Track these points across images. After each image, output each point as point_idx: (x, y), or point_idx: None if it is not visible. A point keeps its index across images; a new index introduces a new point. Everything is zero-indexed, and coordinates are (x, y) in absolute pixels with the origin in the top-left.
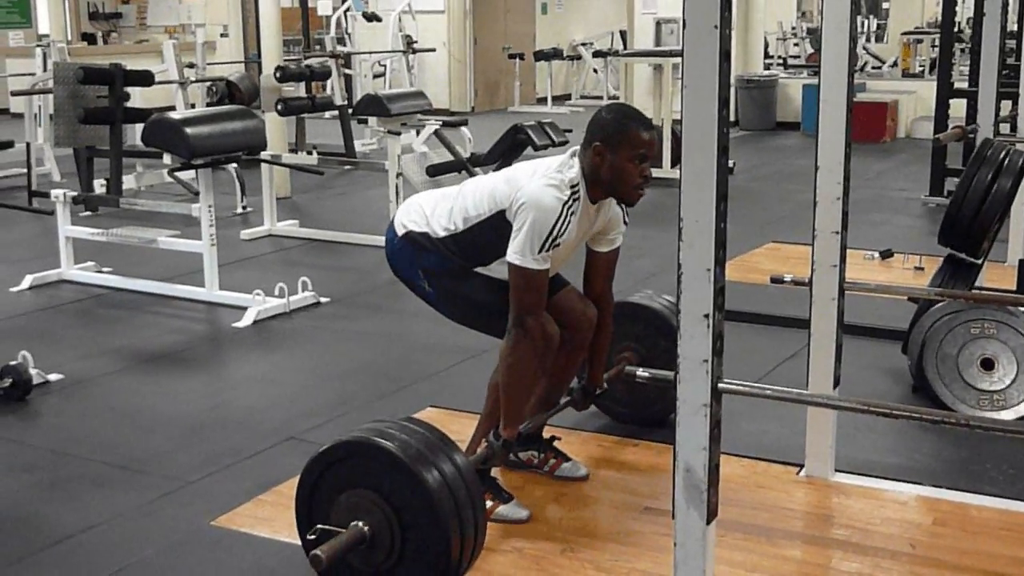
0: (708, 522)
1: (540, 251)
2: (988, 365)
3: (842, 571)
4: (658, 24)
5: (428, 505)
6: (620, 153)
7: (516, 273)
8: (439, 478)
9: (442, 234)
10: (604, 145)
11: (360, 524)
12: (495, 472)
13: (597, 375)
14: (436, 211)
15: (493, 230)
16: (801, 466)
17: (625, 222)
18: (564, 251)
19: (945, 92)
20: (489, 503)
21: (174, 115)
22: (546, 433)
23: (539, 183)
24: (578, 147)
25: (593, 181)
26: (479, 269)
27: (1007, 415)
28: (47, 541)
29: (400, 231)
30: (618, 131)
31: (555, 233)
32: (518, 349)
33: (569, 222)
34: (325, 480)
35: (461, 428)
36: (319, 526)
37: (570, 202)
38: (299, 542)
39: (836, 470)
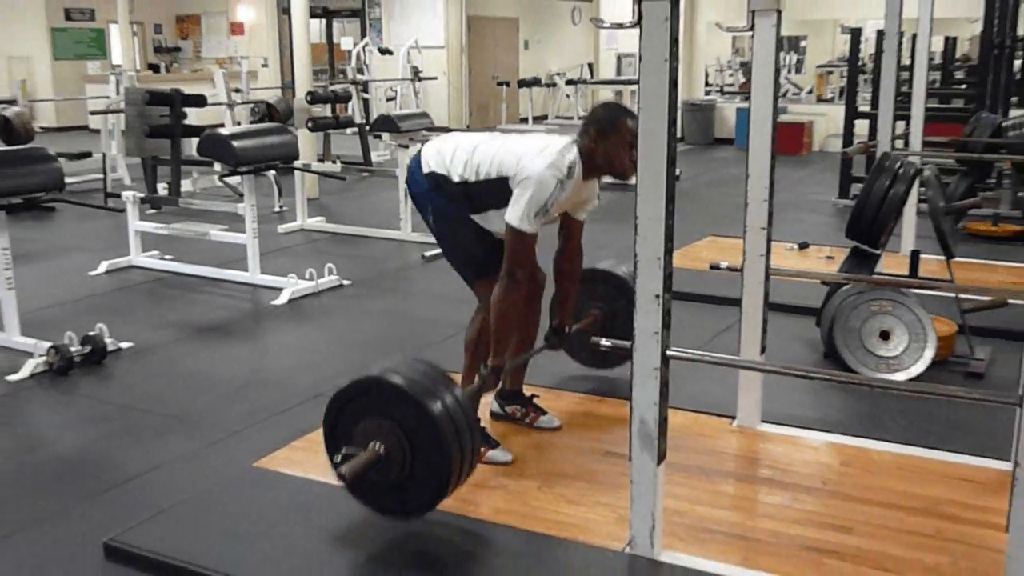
0: (658, 464)
1: (534, 217)
2: (885, 336)
3: (767, 503)
4: (619, 58)
5: (433, 428)
6: (611, 140)
7: (512, 234)
8: (441, 406)
9: (456, 180)
10: (599, 134)
11: (377, 445)
12: (485, 424)
13: (565, 317)
14: (454, 160)
15: (496, 190)
16: (734, 418)
17: (598, 197)
18: (554, 213)
19: (851, 114)
20: (480, 449)
21: (223, 131)
22: (527, 392)
23: (542, 163)
24: (577, 136)
25: (589, 163)
26: (475, 217)
27: (900, 376)
28: (118, 479)
29: (425, 169)
30: (611, 123)
31: (547, 204)
32: (509, 295)
33: (559, 195)
34: (346, 411)
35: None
36: (344, 450)
37: (564, 180)
38: (325, 480)
39: (762, 421)
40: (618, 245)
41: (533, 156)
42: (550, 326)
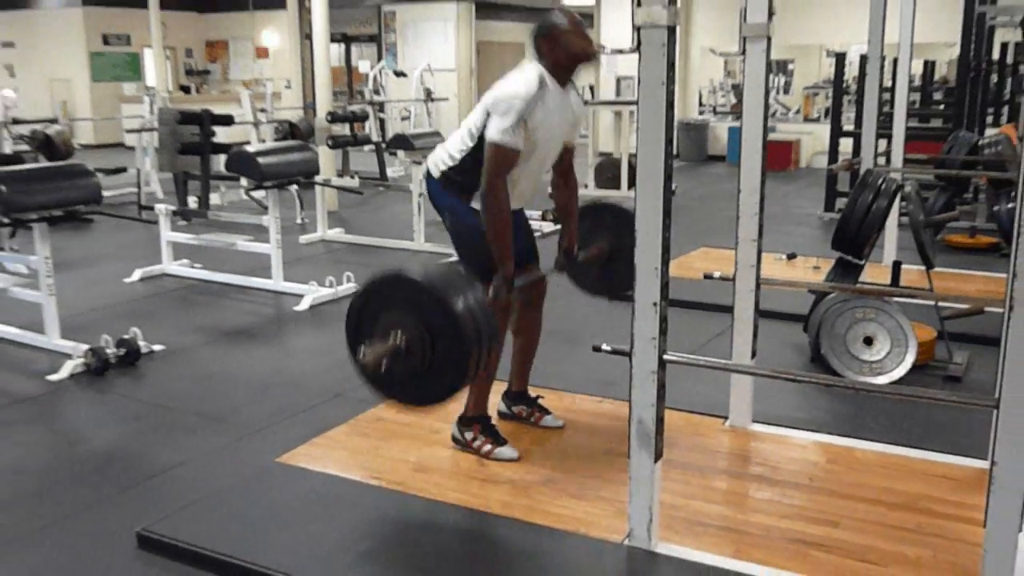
0: (655, 461)
1: (515, 129)
2: (869, 341)
3: (757, 498)
4: (618, 80)
5: (452, 321)
6: (561, 40)
7: (490, 149)
8: (460, 297)
9: (451, 163)
10: (547, 39)
11: (398, 337)
12: (496, 422)
13: (572, 237)
14: (451, 146)
15: (478, 162)
16: (726, 418)
17: (585, 102)
18: (552, 140)
19: (836, 133)
20: (489, 446)
21: (249, 148)
22: (532, 393)
23: (505, 85)
24: (536, 59)
25: (555, 67)
26: (475, 204)
27: (882, 380)
28: (150, 473)
29: (435, 172)
30: (551, 27)
31: (524, 111)
32: (493, 204)
33: (539, 105)
34: (367, 309)
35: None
36: (365, 343)
37: (537, 90)
38: (344, 475)
39: (753, 421)
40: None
41: (495, 90)
42: (559, 248)
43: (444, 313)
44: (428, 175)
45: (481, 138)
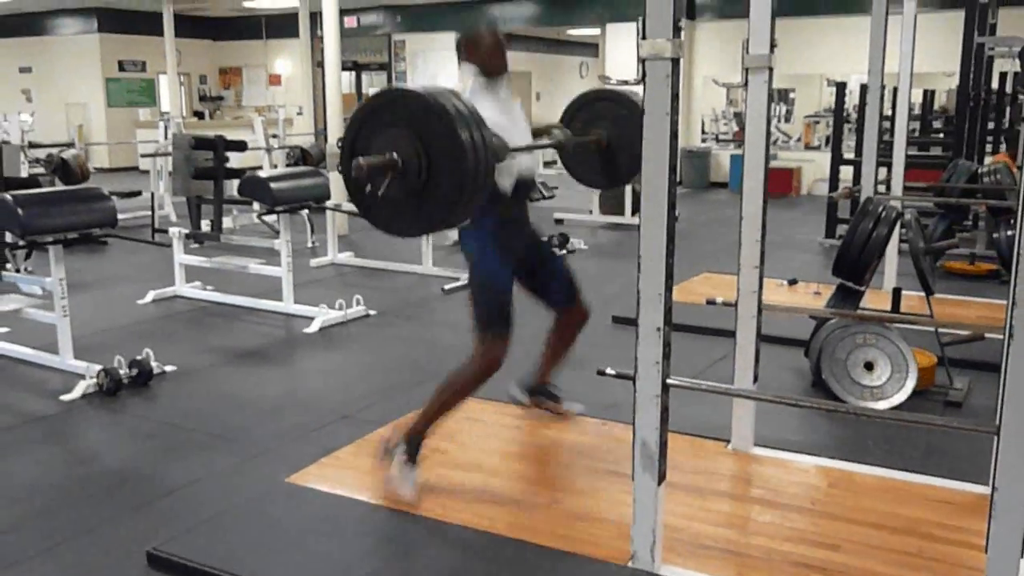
0: (659, 483)
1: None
2: (869, 367)
3: (759, 521)
4: None
5: (449, 130)
6: (481, 44)
7: None
8: (467, 130)
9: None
10: (470, 46)
11: (393, 154)
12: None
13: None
14: None
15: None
16: (728, 441)
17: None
18: (517, 132)
19: (837, 161)
20: (406, 462)
21: (262, 173)
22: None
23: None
24: (460, 62)
25: (481, 68)
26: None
27: (883, 405)
28: (162, 492)
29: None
30: (472, 34)
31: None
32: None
33: (485, 100)
34: (364, 129)
35: (472, 409)
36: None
37: (475, 84)
38: (353, 495)
39: (755, 445)
40: (622, 280)
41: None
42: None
43: (447, 135)
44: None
45: None
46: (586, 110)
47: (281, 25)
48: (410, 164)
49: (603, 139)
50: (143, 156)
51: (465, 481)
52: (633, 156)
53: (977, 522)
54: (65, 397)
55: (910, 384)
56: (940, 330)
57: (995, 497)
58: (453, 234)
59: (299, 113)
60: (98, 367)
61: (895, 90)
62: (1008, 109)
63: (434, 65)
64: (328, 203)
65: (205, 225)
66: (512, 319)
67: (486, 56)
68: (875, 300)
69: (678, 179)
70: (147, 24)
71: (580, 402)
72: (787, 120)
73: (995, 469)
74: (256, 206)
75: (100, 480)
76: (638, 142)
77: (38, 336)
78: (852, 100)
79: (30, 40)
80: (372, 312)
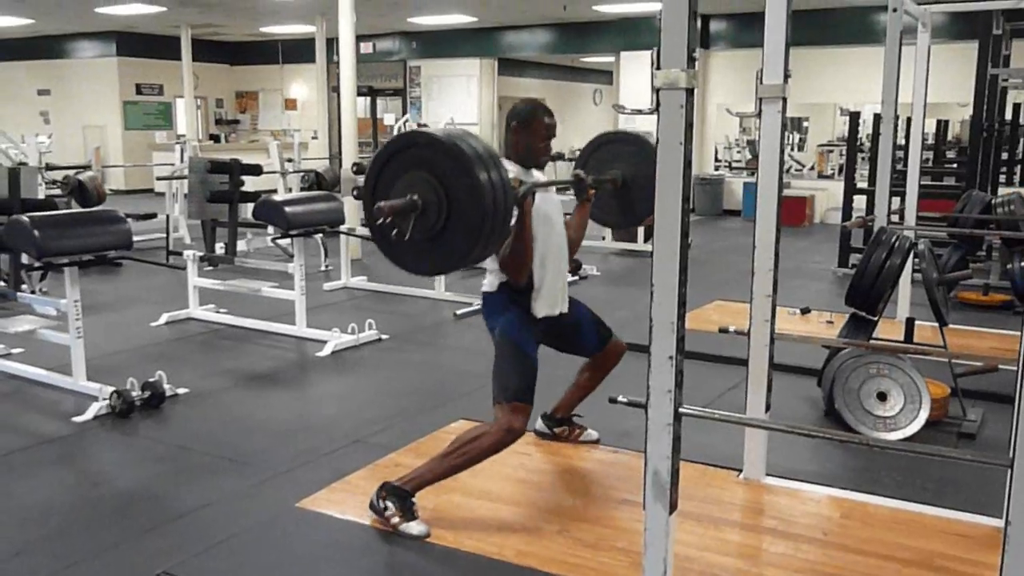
0: (670, 512)
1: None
2: (882, 397)
3: (771, 552)
4: None
5: (466, 171)
6: (530, 130)
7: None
8: (475, 152)
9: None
10: (520, 125)
11: (415, 196)
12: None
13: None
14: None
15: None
16: (740, 471)
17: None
18: (544, 224)
19: (850, 190)
20: (398, 518)
21: (276, 197)
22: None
23: None
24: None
25: (514, 154)
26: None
27: (896, 436)
28: (173, 515)
29: (488, 288)
30: (529, 115)
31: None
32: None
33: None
34: (386, 171)
35: None
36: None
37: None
38: (363, 521)
39: (767, 474)
40: (634, 308)
41: None
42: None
43: (466, 174)
44: (481, 294)
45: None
46: (602, 150)
47: (297, 50)
48: (430, 205)
49: (618, 179)
50: (159, 179)
51: (475, 508)
52: (647, 196)
53: (991, 555)
54: (78, 418)
55: (923, 415)
56: (953, 361)
57: (1008, 531)
58: None
59: (314, 137)
60: (111, 389)
61: (908, 119)
62: (1021, 140)
63: (449, 91)
64: (342, 227)
65: (219, 248)
66: (533, 388)
67: (533, 138)
68: (888, 330)
69: (691, 207)
70: (165, 48)
71: (593, 429)
72: (800, 148)
73: (1009, 502)
74: (270, 229)
75: (111, 502)
76: (651, 183)
77: (52, 357)
78: (865, 129)
79: (49, 63)
80: (384, 336)
